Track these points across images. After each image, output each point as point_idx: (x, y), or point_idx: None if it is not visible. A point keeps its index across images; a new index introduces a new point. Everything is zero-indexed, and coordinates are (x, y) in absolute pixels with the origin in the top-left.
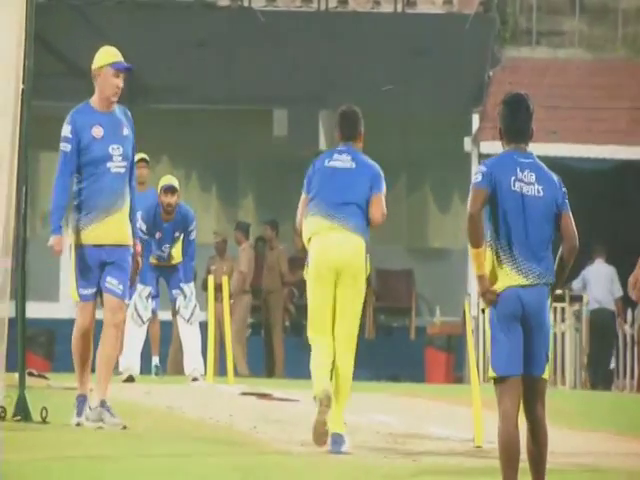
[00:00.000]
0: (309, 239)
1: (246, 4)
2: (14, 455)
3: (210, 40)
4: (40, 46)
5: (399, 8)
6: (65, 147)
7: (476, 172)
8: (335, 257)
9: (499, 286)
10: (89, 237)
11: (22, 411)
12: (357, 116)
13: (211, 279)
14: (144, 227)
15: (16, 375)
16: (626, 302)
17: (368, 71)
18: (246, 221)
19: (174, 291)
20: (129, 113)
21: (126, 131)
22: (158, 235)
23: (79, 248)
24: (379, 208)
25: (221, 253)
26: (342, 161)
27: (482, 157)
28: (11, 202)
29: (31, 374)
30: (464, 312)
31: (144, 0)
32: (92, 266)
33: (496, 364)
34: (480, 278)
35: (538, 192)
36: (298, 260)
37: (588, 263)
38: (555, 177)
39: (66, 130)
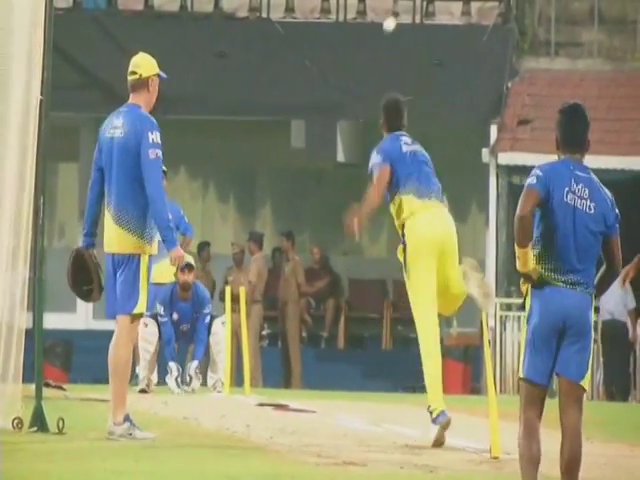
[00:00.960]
0: (406, 218)
1: (265, 15)
2: (30, 466)
3: (229, 51)
4: (58, 57)
5: (417, 19)
6: (159, 154)
7: (531, 174)
8: (441, 231)
9: (539, 281)
10: (155, 247)
11: (39, 422)
12: (403, 106)
13: (228, 290)
14: (161, 309)
15: (33, 386)
16: (638, 313)
17: (386, 82)
18: (259, 231)
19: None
20: None
21: None
22: (175, 316)
23: (150, 258)
24: None
25: (238, 264)
26: (412, 145)
27: (500, 168)
28: (29, 213)
29: (48, 385)
30: (481, 323)
31: (163, 11)
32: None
33: (526, 368)
34: (524, 275)
35: (589, 209)
36: (314, 271)
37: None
38: (609, 196)
39: (158, 136)
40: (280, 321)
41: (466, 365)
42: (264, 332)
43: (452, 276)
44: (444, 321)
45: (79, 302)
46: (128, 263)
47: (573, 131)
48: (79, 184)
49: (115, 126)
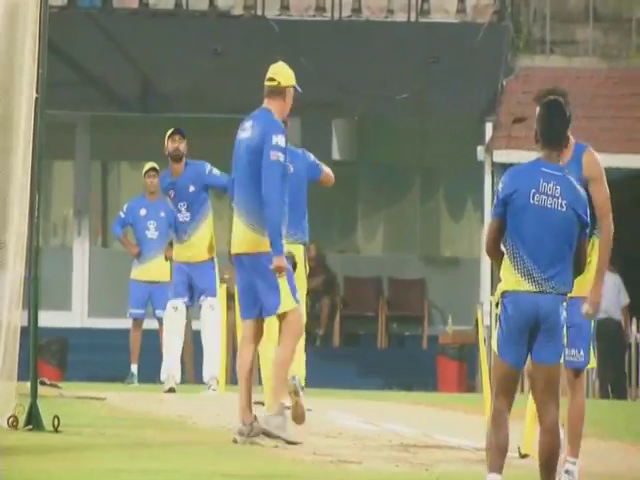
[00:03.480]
0: None
1: (260, 13)
2: (26, 464)
3: (224, 49)
4: (54, 55)
5: (413, 17)
6: (281, 157)
7: (500, 184)
8: None
9: (509, 287)
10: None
11: (34, 420)
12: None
13: (223, 288)
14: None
15: (28, 384)
16: (633, 310)
17: (381, 80)
18: None
19: (203, 298)
20: None
21: None
22: (172, 194)
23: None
24: None
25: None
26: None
27: (495, 166)
28: (24, 211)
29: (43, 383)
30: (476, 321)
31: (158, 9)
32: None
33: (501, 349)
34: None
35: (561, 206)
36: (310, 269)
37: None
38: (583, 195)
39: (282, 140)
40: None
41: (461, 363)
42: None
43: None
44: (439, 319)
45: (74, 300)
46: (262, 263)
47: (552, 126)
48: (74, 182)
49: (244, 128)
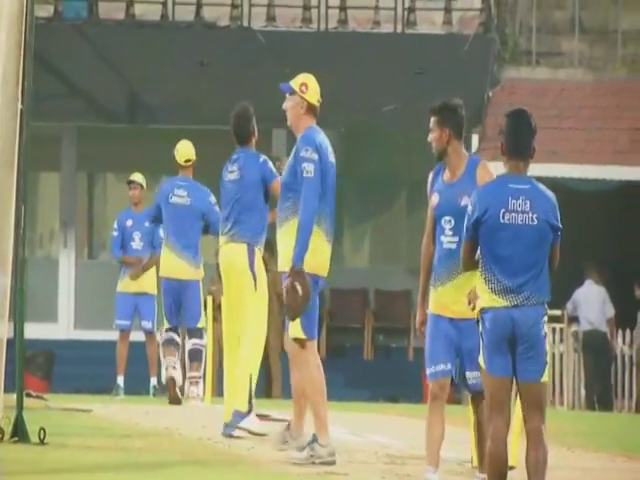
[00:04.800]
0: None
1: (246, 24)
2: (11, 477)
3: (210, 60)
4: (39, 66)
5: (399, 28)
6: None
7: (469, 205)
8: None
9: (486, 304)
10: None
11: (20, 432)
12: None
13: (210, 299)
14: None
15: (14, 396)
16: (619, 322)
17: (368, 91)
18: None
19: (189, 323)
20: None
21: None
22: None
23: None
24: None
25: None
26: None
27: None
28: (10, 222)
29: (29, 395)
30: None
31: (144, 20)
32: None
33: (487, 365)
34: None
35: (532, 220)
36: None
37: (578, 285)
38: (552, 201)
39: (314, 154)
40: None
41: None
42: None
43: None
44: None
45: (60, 312)
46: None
47: (517, 137)
48: (60, 193)
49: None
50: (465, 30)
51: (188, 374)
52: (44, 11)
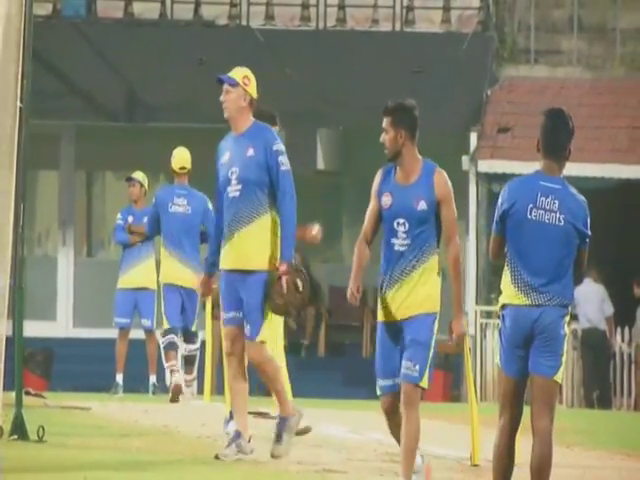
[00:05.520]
0: None
1: (245, 23)
2: (11, 475)
3: (208, 58)
4: (38, 65)
5: (397, 27)
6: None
7: (499, 198)
8: None
9: (508, 301)
10: None
11: (19, 430)
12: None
13: (209, 297)
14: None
15: (13, 394)
16: (617, 320)
17: (366, 90)
18: None
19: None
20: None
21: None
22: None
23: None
24: None
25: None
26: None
27: (480, 176)
28: (9, 221)
29: (28, 393)
30: None
31: (143, 18)
32: None
33: (503, 361)
34: None
35: (559, 221)
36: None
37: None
38: (583, 206)
39: (283, 146)
40: None
41: (446, 373)
42: None
43: None
44: None
45: (59, 310)
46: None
47: (554, 138)
48: (59, 192)
49: None
50: (464, 28)
51: (184, 377)
52: (43, 9)
